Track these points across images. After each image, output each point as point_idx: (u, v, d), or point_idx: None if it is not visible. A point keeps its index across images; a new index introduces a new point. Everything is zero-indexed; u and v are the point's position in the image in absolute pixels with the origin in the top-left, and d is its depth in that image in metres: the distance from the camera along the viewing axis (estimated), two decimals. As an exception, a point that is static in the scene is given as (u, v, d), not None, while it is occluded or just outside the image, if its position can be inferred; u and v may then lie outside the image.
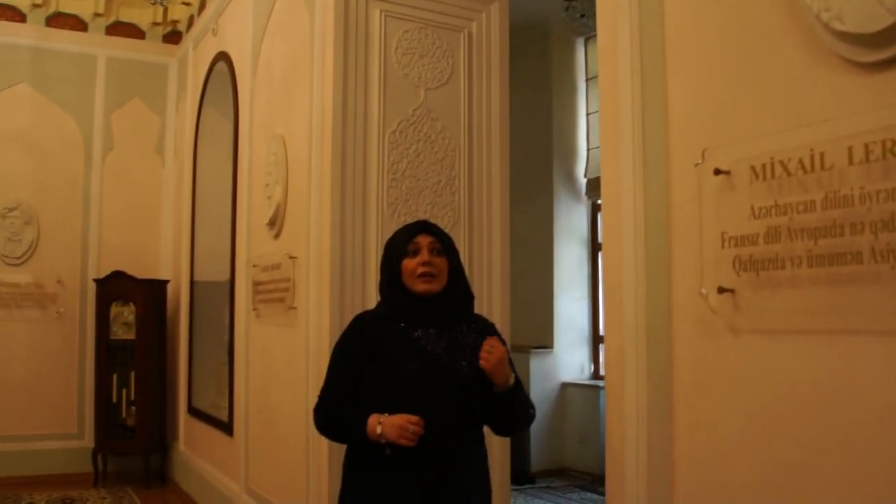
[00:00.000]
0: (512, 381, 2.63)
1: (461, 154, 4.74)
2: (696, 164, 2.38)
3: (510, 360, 2.76)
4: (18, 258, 7.66)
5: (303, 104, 4.83)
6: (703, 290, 2.35)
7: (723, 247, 2.31)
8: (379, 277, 2.92)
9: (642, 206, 2.59)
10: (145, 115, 8.26)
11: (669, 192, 2.52)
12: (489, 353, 2.56)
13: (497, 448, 4.68)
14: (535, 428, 7.88)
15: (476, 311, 4.68)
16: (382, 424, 2.58)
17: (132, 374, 7.49)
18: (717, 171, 2.30)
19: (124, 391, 7.50)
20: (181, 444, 7.44)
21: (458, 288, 2.80)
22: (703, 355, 2.42)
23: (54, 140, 7.85)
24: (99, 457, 7.48)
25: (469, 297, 2.87)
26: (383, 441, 2.59)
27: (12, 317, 7.64)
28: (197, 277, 7.33)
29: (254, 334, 5.60)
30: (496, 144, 4.85)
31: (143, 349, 7.49)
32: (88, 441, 7.66)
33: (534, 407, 2.81)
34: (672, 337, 2.51)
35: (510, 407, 2.69)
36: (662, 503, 2.52)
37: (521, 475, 7.50)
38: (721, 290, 2.29)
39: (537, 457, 7.95)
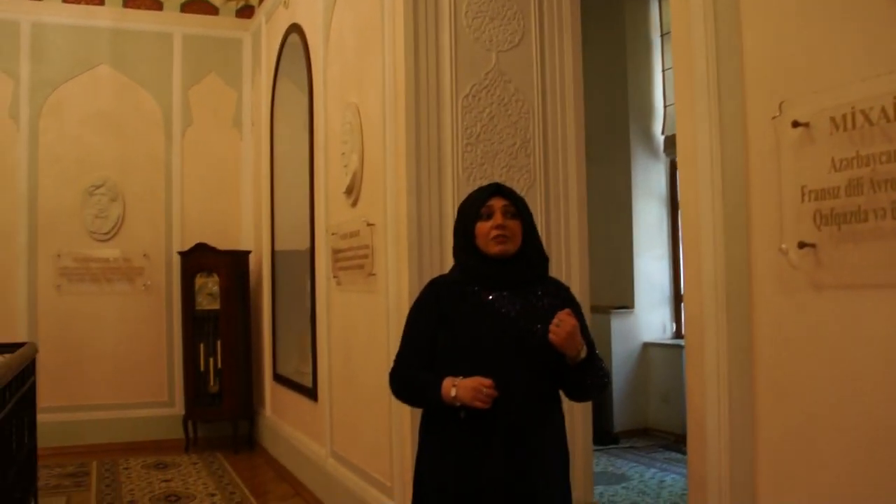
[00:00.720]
0: (584, 353, 2.62)
1: (535, 116, 4.72)
2: (774, 117, 2.32)
3: (585, 327, 2.77)
4: (106, 234, 7.94)
5: (375, 72, 4.85)
6: (784, 246, 2.30)
7: (802, 201, 2.25)
8: (453, 242, 2.94)
9: (719, 161, 2.54)
10: (222, 89, 8.42)
11: (747, 146, 2.45)
12: (558, 328, 2.55)
13: (578, 409, 4.70)
14: (618, 388, 7.88)
15: (554, 273, 4.70)
16: (457, 387, 2.60)
17: (218, 344, 7.70)
18: (796, 124, 2.24)
19: (211, 360, 7.72)
20: (268, 410, 7.64)
21: (532, 250, 2.80)
22: (784, 312, 2.36)
23: (135, 118, 8.09)
24: (189, 424, 7.74)
25: (543, 259, 2.86)
26: (457, 404, 2.61)
27: (103, 290, 7.93)
28: (278, 247, 7.47)
29: (335, 301, 5.70)
30: (570, 105, 4.81)
31: (228, 319, 7.69)
32: (179, 409, 7.95)
33: (608, 375, 2.80)
34: (752, 294, 2.46)
35: (581, 378, 2.70)
36: (745, 463, 2.49)
37: (605, 435, 7.51)
38: (802, 245, 2.24)
39: (620, 417, 7.94)
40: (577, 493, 4.69)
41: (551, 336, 2.56)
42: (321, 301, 5.97)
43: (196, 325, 7.77)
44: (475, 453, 2.65)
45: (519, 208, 2.78)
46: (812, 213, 2.23)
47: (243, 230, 8.42)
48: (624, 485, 6.18)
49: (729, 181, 2.54)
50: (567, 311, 2.58)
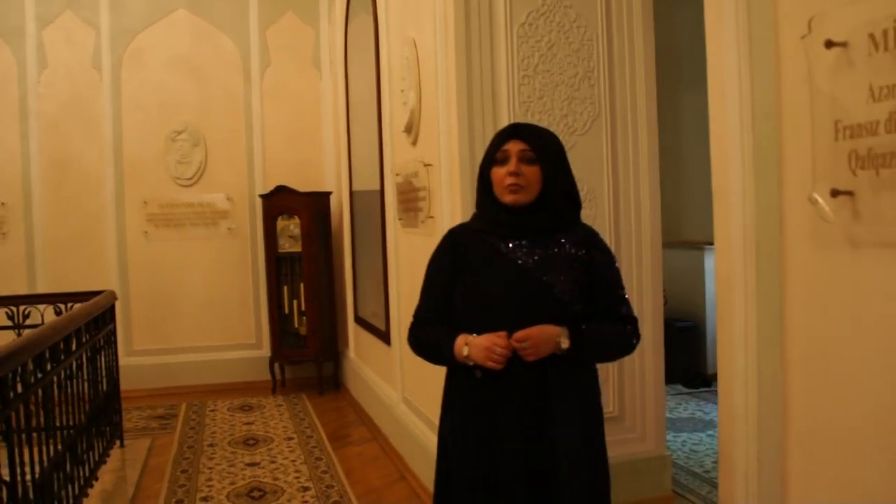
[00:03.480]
0: (565, 344, 2.41)
1: (599, 42, 4.40)
2: (803, 37, 1.92)
3: (615, 278, 2.59)
4: (189, 179, 7.99)
5: (429, 3, 4.60)
6: (813, 195, 1.91)
7: (836, 139, 1.85)
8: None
9: (749, 90, 2.15)
10: (299, 28, 8.26)
11: (779, 72, 2.06)
12: (525, 351, 2.37)
13: (649, 350, 4.45)
14: (711, 328, 7.50)
15: (622, 211, 4.45)
16: (469, 346, 2.46)
17: (301, 286, 7.69)
18: (830, 44, 1.83)
19: (295, 302, 7.73)
20: (351, 352, 7.62)
21: (556, 196, 2.53)
22: (818, 273, 2.01)
23: (214, 61, 8.05)
24: (276, 365, 7.81)
25: (571, 206, 2.60)
26: (471, 363, 2.46)
27: (189, 235, 8.01)
28: (356, 187, 7.34)
29: (402, 244, 5.54)
30: (639, 28, 4.47)
31: (309, 261, 7.65)
32: (266, 351, 8.02)
33: (628, 336, 2.58)
34: (784, 250, 2.10)
35: (584, 359, 2.52)
36: (774, 444, 2.17)
37: (696, 378, 7.18)
38: (835, 193, 1.85)
39: (714, 358, 7.54)
40: (646, 445, 4.51)
41: (528, 359, 2.39)
42: (391, 243, 5.83)
43: (279, 267, 7.78)
44: (492, 415, 2.49)
45: (539, 152, 2.51)
46: (847, 153, 1.82)
47: (326, 171, 8.32)
48: (710, 432, 5.83)
49: (759, 114, 2.16)
50: (520, 333, 2.38)
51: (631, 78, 4.46)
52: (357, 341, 7.41)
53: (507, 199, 2.48)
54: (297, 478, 5.20)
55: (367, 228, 7.15)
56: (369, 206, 7.01)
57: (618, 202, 4.48)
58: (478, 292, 2.51)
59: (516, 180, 2.45)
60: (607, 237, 4.46)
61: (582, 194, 4.35)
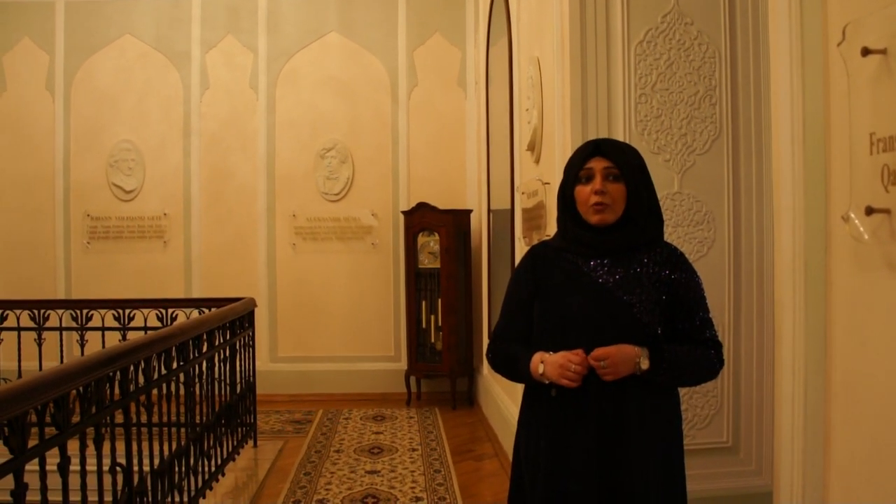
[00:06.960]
0: (644, 365, 2.34)
1: (722, 60, 4.29)
2: (838, 44, 1.81)
3: (697, 298, 2.49)
4: (337, 194, 8.31)
5: (550, 21, 4.63)
6: (848, 213, 1.79)
7: (871, 152, 1.72)
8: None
9: (800, 103, 2.05)
10: (446, 49, 8.45)
11: (827, 82, 1.95)
12: (604, 370, 2.33)
13: (768, 380, 4.27)
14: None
15: (743, 238, 4.30)
16: (545, 363, 2.44)
17: (439, 301, 7.82)
18: (866, 51, 1.71)
19: (432, 317, 7.86)
20: (485, 369, 7.66)
21: (638, 215, 2.49)
22: (858, 297, 1.87)
23: (363, 82, 8.36)
24: (411, 378, 7.96)
25: (654, 221, 2.54)
26: (546, 381, 2.44)
27: (334, 249, 8.33)
28: (493, 206, 7.41)
29: (525, 262, 5.54)
30: (765, 47, 4.32)
31: (447, 277, 7.77)
32: (404, 364, 8.21)
33: (712, 361, 2.48)
34: (829, 272, 1.98)
35: (664, 382, 2.42)
36: (816, 478, 2.04)
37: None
38: (869, 211, 1.71)
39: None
40: (762, 479, 4.33)
41: (607, 379, 2.34)
42: (517, 262, 5.85)
43: (418, 282, 7.94)
44: (566, 434, 2.45)
45: (623, 169, 2.48)
46: (880, 168, 1.69)
47: (468, 189, 8.45)
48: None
49: (809, 128, 2.04)
50: (599, 351, 2.34)
51: (756, 97, 4.32)
52: (489, 358, 7.44)
53: (594, 219, 2.45)
54: (413, 488, 5.30)
55: (501, 246, 7.20)
56: (503, 225, 7.07)
57: (738, 226, 4.33)
58: (557, 310, 2.50)
59: (602, 199, 2.42)
60: (725, 262, 4.34)
61: (700, 215, 4.35)
